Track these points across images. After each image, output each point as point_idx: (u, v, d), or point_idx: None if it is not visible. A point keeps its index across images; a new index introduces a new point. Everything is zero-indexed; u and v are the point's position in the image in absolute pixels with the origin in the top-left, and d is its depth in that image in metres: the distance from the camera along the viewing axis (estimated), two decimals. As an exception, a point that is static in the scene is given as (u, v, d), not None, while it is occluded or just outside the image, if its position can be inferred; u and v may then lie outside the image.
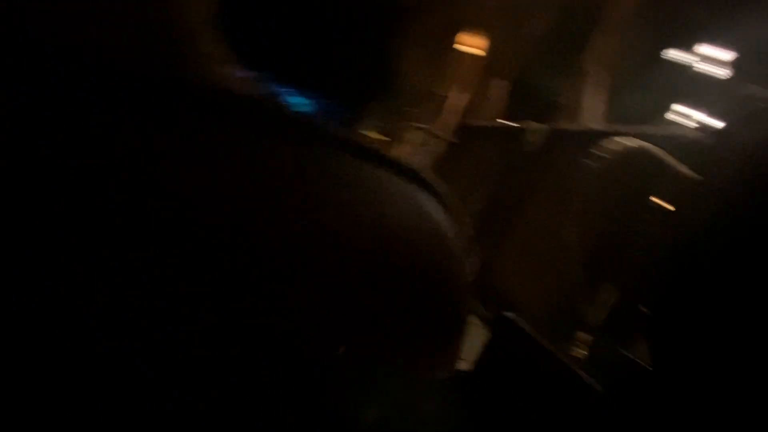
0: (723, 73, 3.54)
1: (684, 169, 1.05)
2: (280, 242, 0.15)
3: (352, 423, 0.16)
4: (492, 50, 4.31)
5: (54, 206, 0.14)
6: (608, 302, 1.07)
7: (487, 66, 4.22)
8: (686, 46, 3.37)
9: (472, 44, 4.63)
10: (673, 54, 3.27)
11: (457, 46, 4.55)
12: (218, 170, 0.16)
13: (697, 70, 3.40)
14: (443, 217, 0.20)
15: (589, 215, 1.17)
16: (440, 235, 0.20)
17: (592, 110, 1.65)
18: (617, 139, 0.97)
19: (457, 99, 4.36)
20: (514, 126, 1.84)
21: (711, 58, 3.35)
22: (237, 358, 0.14)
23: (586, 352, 1.08)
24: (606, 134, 1.41)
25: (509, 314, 0.46)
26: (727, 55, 3.33)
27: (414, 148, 4.47)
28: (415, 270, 0.18)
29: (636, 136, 1.29)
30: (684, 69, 3.42)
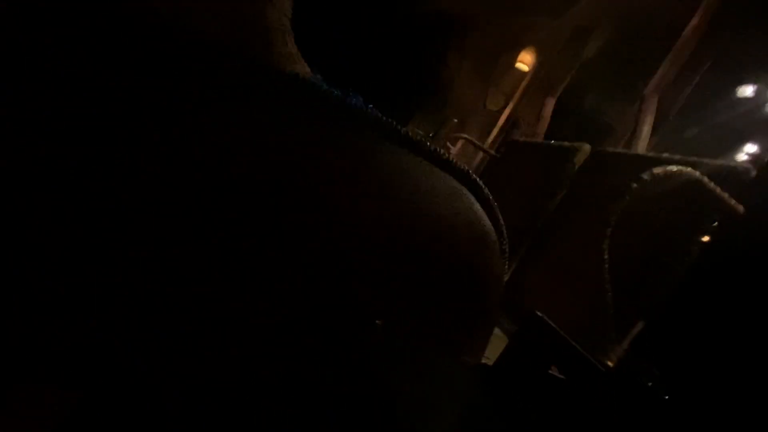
0: None
1: (728, 199, 1.06)
2: (345, 222, 0.16)
3: (388, 393, 0.17)
4: (542, 69, 4.28)
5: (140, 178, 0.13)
6: (636, 324, 1.09)
7: (537, 83, 4.20)
8: (752, 82, 3.21)
9: (523, 61, 4.61)
10: (742, 91, 3.10)
11: (508, 63, 4.55)
12: (294, 156, 0.17)
13: (764, 106, 3.22)
14: (488, 222, 0.22)
15: (630, 238, 1.18)
16: (486, 237, 0.21)
17: (645, 137, 1.64)
18: (667, 167, 0.98)
19: (504, 113, 4.36)
20: (562, 145, 1.85)
21: None
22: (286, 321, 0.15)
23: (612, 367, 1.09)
24: (655, 161, 1.41)
25: (537, 312, 0.50)
26: None
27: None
28: (460, 263, 0.20)
29: (684, 164, 1.29)
30: (750, 106, 3.25)
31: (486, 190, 0.23)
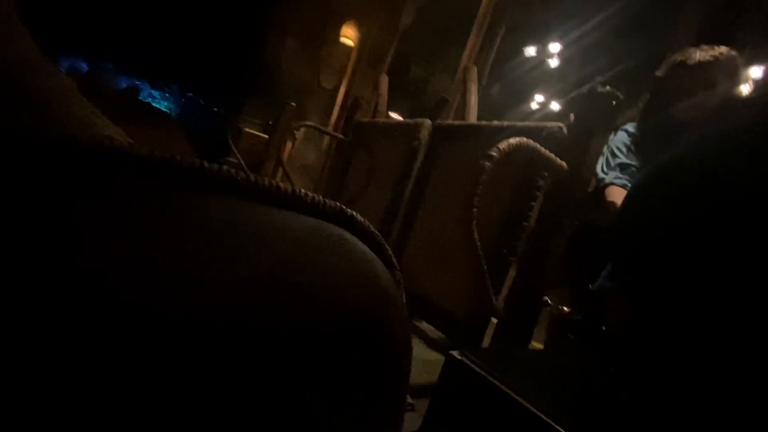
0: (557, 63, 4.23)
1: (555, 158, 1.22)
2: (191, 312, 0.13)
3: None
4: (367, 43, 4.38)
5: None
6: (513, 289, 1.20)
7: (366, 58, 4.28)
8: (534, 42, 3.94)
9: (347, 36, 4.63)
10: (527, 50, 3.81)
11: (333, 38, 4.51)
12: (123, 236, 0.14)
13: (544, 63, 4.01)
14: (374, 258, 0.18)
15: (487, 207, 1.28)
16: (376, 284, 0.18)
17: (474, 105, 1.79)
18: (509, 140, 1.05)
19: (340, 92, 4.34)
20: (405, 122, 1.90)
21: (551, 53, 3.98)
22: None
23: (495, 340, 1.19)
24: (490, 129, 1.55)
25: (456, 354, 0.46)
26: (558, 47, 4.01)
27: (301, 144, 4.34)
28: (352, 327, 0.16)
29: (515, 132, 1.44)
30: (535, 62, 4.00)
31: (365, 224, 0.19)
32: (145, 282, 0.13)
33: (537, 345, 1.66)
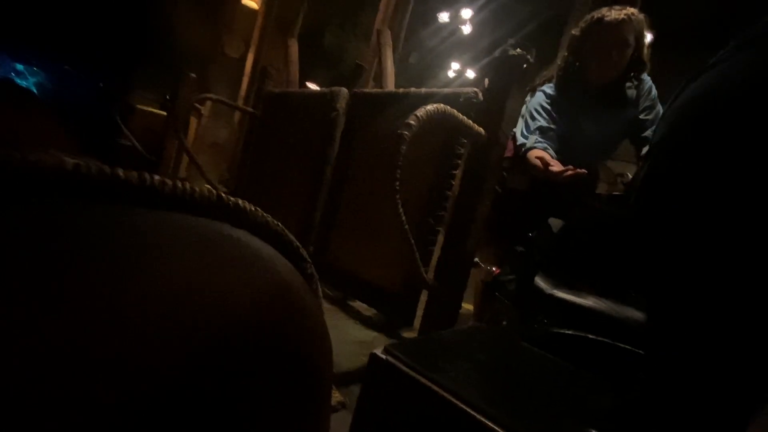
0: (469, 29, 4.31)
1: (473, 125, 1.20)
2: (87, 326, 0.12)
3: None
4: (273, 6, 4.04)
5: None
6: (441, 259, 1.18)
7: (273, 24, 3.96)
8: (446, 8, 3.94)
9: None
10: (440, 16, 3.80)
11: (234, 1, 4.09)
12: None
13: (458, 30, 4.05)
14: (283, 262, 0.17)
15: (411, 178, 1.24)
16: (284, 288, 0.16)
17: (390, 72, 1.72)
18: (426, 108, 1.00)
19: (248, 60, 3.99)
20: (321, 91, 1.77)
21: (463, 19, 4.03)
22: None
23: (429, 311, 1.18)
24: (407, 97, 1.49)
25: (380, 353, 0.42)
26: (469, 13, 4.08)
27: (210, 121, 3.96)
28: (252, 345, 0.15)
29: (432, 99, 1.40)
30: (449, 29, 4.01)
31: (271, 224, 0.17)
32: None
33: (467, 306, 1.71)
